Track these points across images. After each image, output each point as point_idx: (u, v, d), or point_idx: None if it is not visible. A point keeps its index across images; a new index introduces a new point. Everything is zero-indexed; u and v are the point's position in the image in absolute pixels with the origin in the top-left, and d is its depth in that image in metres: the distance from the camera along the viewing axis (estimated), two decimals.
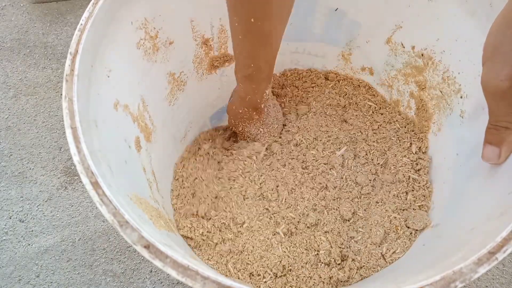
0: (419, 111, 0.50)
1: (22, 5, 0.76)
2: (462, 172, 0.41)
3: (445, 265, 0.27)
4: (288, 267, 0.43)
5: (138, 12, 0.39)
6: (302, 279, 0.42)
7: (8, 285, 0.53)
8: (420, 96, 0.49)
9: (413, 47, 0.47)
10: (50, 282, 0.53)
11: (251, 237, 0.45)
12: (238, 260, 0.44)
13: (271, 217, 0.46)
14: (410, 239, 0.43)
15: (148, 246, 0.25)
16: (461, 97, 0.43)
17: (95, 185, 0.27)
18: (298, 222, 0.46)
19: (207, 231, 0.45)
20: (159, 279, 0.53)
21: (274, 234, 0.45)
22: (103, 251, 0.55)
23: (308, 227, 0.45)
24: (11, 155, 0.62)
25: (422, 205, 0.45)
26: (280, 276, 0.42)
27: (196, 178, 0.49)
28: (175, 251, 0.26)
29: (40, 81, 0.69)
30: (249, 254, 0.44)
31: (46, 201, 0.58)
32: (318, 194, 0.47)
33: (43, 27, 0.74)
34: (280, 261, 0.43)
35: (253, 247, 0.44)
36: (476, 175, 0.38)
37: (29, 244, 0.56)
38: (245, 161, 0.50)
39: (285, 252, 0.44)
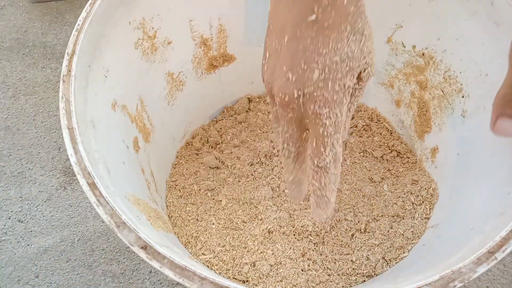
0: (420, 111, 0.49)
1: (21, 4, 0.76)
2: (463, 172, 0.41)
3: (445, 265, 0.27)
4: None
5: (136, 12, 0.38)
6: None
7: (7, 285, 0.53)
8: (421, 96, 0.49)
9: (413, 47, 0.47)
10: (49, 282, 0.53)
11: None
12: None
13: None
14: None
15: (145, 247, 0.25)
16: (463, 97, 0.43)
17: (92, 186, 0.26)
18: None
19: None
20: (159, 280, 0.53)
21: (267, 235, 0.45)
22: (103, 252, 0.55)
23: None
24: (10, 155, 0.62)
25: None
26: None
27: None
28: (172, 252, 0.25)
29: (39, 80, 0.68)
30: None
31: (45, 201, 0.58)
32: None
33: (42, 26, 0.74)
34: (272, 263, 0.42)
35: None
36: (476, 175, 0.38)
37: (28, 245, 0.55)
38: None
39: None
